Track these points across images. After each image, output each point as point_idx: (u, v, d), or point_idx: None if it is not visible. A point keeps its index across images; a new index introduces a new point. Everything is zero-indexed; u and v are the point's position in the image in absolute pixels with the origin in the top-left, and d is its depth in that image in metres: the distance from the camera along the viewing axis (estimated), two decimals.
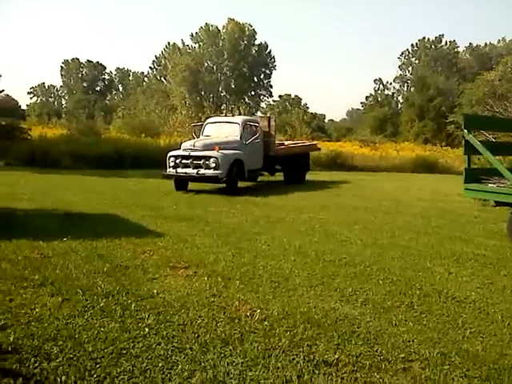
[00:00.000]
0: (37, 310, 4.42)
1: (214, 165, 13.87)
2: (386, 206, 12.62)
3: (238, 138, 15.24)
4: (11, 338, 3.79)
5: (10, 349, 3.62)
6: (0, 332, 3.90)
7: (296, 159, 18.32)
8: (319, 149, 22.81)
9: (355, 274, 6.11)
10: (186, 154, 14.31)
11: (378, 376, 3.54)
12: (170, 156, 14.63)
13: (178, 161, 14.36)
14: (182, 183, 14.50)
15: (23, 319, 4.20)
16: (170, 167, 14.47)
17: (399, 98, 72.69)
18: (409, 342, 4.15)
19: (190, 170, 14.09)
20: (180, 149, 14.97)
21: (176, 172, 14.20)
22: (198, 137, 16.36)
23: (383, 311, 4.85)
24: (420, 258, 6.98)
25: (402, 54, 76.98)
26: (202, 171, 13.90)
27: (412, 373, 3.62)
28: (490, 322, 4.69)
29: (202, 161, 14.00)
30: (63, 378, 3.27)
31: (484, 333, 4.42)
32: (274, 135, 17.37)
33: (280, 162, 17.71)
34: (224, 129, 15.85)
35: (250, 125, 16.11)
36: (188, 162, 14.21)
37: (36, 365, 3.42)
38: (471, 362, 3.82)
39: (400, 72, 76.33)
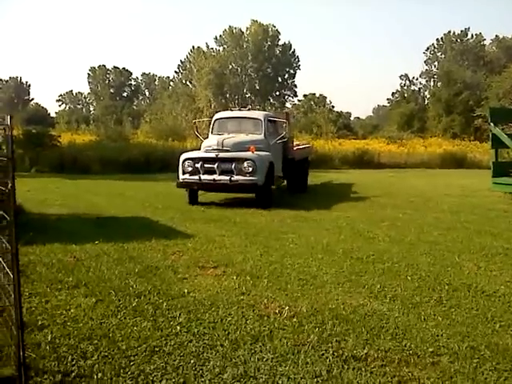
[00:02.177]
0: (72, 310, 4.55)
1: (250, 169, 11.29)
2: (413, 202, 12.55)
3: (263, 137, 12.62)
4: (49, 338, 3.93)
5: (48, 348, 3.75)
6: (38, 332, 4.04)
7: (302, 163, 15.18)
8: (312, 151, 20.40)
9: (383, 270, 6.12)
10: (212, 155, 11.53)
11: (406, 370, 3.57)
12: (186, 159, 11.86)
13: (197, 165, 11.61)
14: (195, 194, 11.95)
15: (59, 320, 4.33)
16: (185, 173, 11.76)
17: (426, 93, 71.80)
18: (437, 336, 4.17)
19: (220, 177, 11.40)
20: (199, 150, 12.49)
21: (199, 179, 11.41)
22: (205, 136, 13.85)
23: (412, 306, 4.87)
24: (449, 254, 6.95)
25: (428, 48, 76.08)
26: (236, 177, 11.33)
27: (441, 366, 3.63)
28: None
29: (234, 164, 11.38)
30: (99, 375, 3.37)
31: None
32: (291, 134, 15.11)
33: (295, 167, 14.41)
34: (242, 126, 13.18)
35: (273, 121, 13.66)
36: (213, 166, 11.49)
37: (73, 363, 3.54)
38: (501, 355, 3.82)
39: (426, 67, 75.42)
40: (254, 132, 12.82)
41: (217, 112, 14.77)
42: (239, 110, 14.57)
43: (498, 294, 5.27)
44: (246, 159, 11.44)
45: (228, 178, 11.33)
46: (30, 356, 3.49)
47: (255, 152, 11.67)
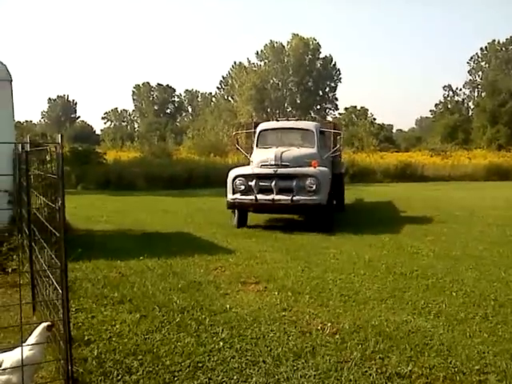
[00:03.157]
0: (117, 326, 4.65)
1: (313, 187, 9.93)
2: (458, 215, 12.31)
3: (316, 150, 11.12)
4: (95, 353, 4.02)
5: (94, 362, 3.85)
6: (85, 347, 4.15)
7: (340, 178, 13.39)
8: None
9: (427, 286, 6.04)
10: (270, 171, 10.15)
11: None
12: (237, 176, 10.43)
13: (251, 183, 10.22)
14: (246, 216, 10.84)
15: (105, 335, 4.43)
16: (236, 192, 10.37)
17: (470, 103, 70.54)
18: (484, 353, 4.08)
19: (279, 196, 10.02)
20: (247, 165, 11.37)
21: (255, 200, 10.06)
22: (247, 149, 12.49)
23: (457, 323, 4.78)
24: (495, 269, 6.80)
25: (472, 58, 74.84)
26: (297, 197, 9.97)
27: None
28: None
29: (295, 181, 10.03)
30: None
31: None
32: (340, 147, 13.41)
33: (340, 183, 13.30)
34: (292, 138, 11.79)
35: (323, 132, 12.10)
36: (270, 184, 10.10)
37: (118, 377, 3.62)
38: None
39: (470, 77, 74.18)
40: (305, 145, 11.37)
41: (257, 123, 12.92)
42: (287, 120, 13.00)
43: None
44: (309, 175, 10.08)
45: (289, 197, 9.94)
46: (78, 370, 3.57)
47: (318, 167, 10.35)
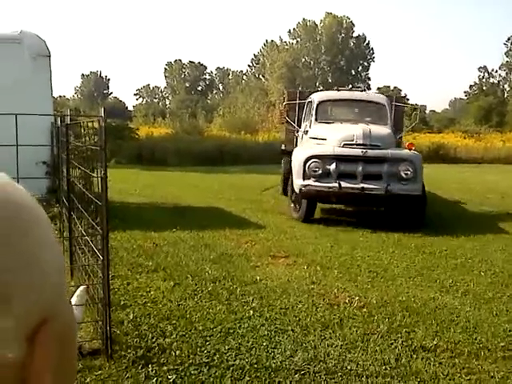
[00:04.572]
0: (151, 292, 4.83)
1: (409, 173, 8.18)
2: (490, 198, 12.20)
3: (390, 130, 9.35)
4: (131, 317, 4.21)
5: (130, 325, 4.03)
6: (121, 311, 4.33)
7: None
8: None
9: (456, 265, 6.08)
10: (357, 152, 8.22)
11: (476, 363, 3.58)
12: (312, 157, 8.33)
13: (330, 166, 8.23)
14: (314, 207, 8.74)
15: (140, 300, 4.61)
16: (308, 177, 8.28)
17: (505, 86, 68.87)
18: (510, 331, 4.15)
19: (369, 185, 8.13)
20: (324, 145, 8.76)
21: (339, 187, 8.08)
22: (299, 124, 10.70)
23: (484, 302, 4.84)
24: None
25: (509, 39, 72.77)
26: (392, 186, 8.08)
27: None
28: None
29: (386, 167, 8.22)
30: (177, 352, 3.60)
31: None
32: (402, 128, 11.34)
33: None
34: (360, 113, 10.13)
35: (393, 108, 10.13)
36: (356, 168, 8.20)
37: (153, 340, 3.79)
38: None
39: (507, 59, 72.23)
40: (377, 122, 9.48)
41: (309, 92, 11.18)
42: (350, 89, 10.94)
43: None
44: (404, 160, 8.34)
45: (382, 186, 8.03)
46: (115, 332, 3.75)
47: (412, 150, 8.82)
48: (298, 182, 8.43)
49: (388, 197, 8.13)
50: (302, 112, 10.79)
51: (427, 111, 73.92)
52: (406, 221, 8.27)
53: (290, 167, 10.71)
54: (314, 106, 9.93)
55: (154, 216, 8.81)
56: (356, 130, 8.57)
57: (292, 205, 9.04)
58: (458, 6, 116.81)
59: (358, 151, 8.24)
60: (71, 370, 0.59)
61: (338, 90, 10.71)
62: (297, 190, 8.45)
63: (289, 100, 11.44)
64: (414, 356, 3.66)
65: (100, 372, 3.24)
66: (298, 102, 11.04)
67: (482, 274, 5.74)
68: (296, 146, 10.61)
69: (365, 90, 11.29)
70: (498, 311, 4.59)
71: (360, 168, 8.17)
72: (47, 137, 7.63)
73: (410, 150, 8.86)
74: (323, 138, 8.98)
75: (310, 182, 8.27)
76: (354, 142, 8.37)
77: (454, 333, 4.08)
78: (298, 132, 10.73)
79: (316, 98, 10.18)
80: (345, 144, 8.42)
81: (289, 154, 10.82)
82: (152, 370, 3.31)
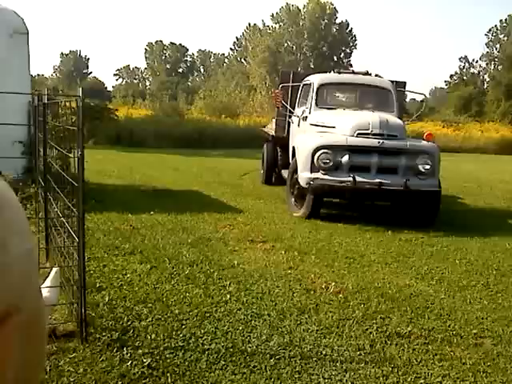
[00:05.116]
0: (128, 275, 4.80)
1: (427, 167, 7.52)
2: (467, 187, 12.35)
3: (396, 117, 8.63)
4: (106, 299, 4.17)
5: (105, 308, 4.00)
6: (96, 293, 4.30)
7: None
8: None
9: (432, 253, 6.15)
10: (373, 143, 7.47)
11: (449, 349, 3.63)
12: (322, 148, 7.44)
13: (342, 158, 7.41)
14: (321, 203, 7.85)
15: (116, 283, 4.58)
16: (317, 169, 7.45)
17: (485, 76, 69.48)
18: (482, 319, 4.20)
19: (386, 179, 7.37)
20: (333, 134, 7.88)
21: (354, 182, 7.26)
22: (293, 106, 9.89)
23: (458, 289, 4.90)
24: (499, 240, 6.90)
25: (490, 30, 73.26)
26: (411, 181, 7.37)
27: (484, 348, 3.68)
28: None
29: (404, 159, 7.53)
30: (153, 335, 3.58)
31: None
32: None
33: None
34: (364, 98, 9.32)
35: (397, 94, 9.46)
36: (372, 161, 7.46)
37: (129, 323, 3.76)
38: None
39: (487, 49, 72.77)
40: (382, 109, 8.67)
41: (304, 74, 10.44)
42: (352, 72, 9.98)
43: None
44: (423, 152, 7.67)
45: (400, 181, 7.32)
46: (90, 314, 3.71)
47: (430, 142, 8.17)
48: (304, 175, 7.53)
49: (406, 193, 7.37)
50: (296, 95, 9.99)
51: (407, 100, 74.30)
52: (419, 218, 7.65)
53: (280, 155, 10.71)
54: (314, 90, 9.00)
55: (132, 198, 8.74)
56: (372, 118, 7.76)
57: (292, 200, 8.12)
58: None
59: (374, 142, 7.45)
60: (38, 361, 0.57)
61: (340, 73, 9.77)
62: (302, 184, 7.54)
63: (281, 82, 10.59)
64: (389, 342, 3.70)
65: (74, 355, 3.21)
66: (291, 84, 10.17)
67: (457, 262, 5.81)
68: (288, 132, 10.10)
69: (368, 73, 9.69)
70: (471, 299, 4.66)
71: (375, 160, 7.42)
72: (24, 116, 7.50)
73: (428, 141, 8.17)
74: (330, 125, 8.13)
75: (319, 175, 7.43)
76: (369, 132, 7.54)
77: (428, 320, 4.13)
78: (291, 117, 9.96)
79: (316, 80, 9.24)
80: (359, 133, 7.57)
81: (279, 141, 10.57)
82: (127, 353, 3.29)
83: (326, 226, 7.26)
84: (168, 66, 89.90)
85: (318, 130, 8.24)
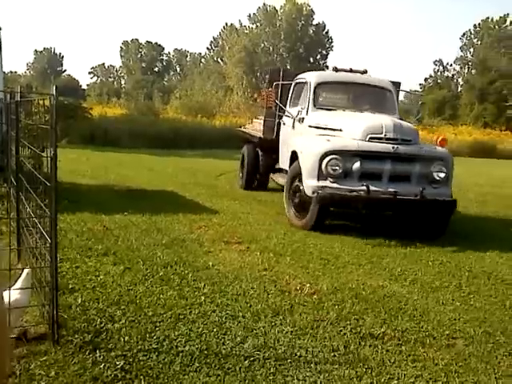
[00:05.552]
0: (101, 276, 4.74)
1: (442, 175, 7.06)
2: None
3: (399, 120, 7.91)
4: (79, 301, 4.11)
5: (78, 310, 3.94)
6: (69, 295, 4.23)
7: None
8: None
9: (405, 254, 6.22)
10: (387, 148, 6.87)
11: (422, 350, 3.67)
12: (331, 153, 6.84)
13: (353, 165, 6.86)
14: (327, 213, 7.27)
15: (89, 285, 4.52)
16: (325, 177, 6.88)
17: (459, 80, 70.58)
18: (455, 320, 4.26)
19: (400, 188, 6.83)
20: (341, 138, 7.25)
21: (367, 191, 6.69)
22: (287, 104, 9.13)
23: (431, 290, 4.96)
24: (471, 242, 6.99)
25: (464, 34, 74.41)
26: (428, 190, 6.86)
27: (456, 349, 3.73)
28: None
29: (418, 167, 7.04)
30: (126, 338, 3.54)
31: None
32: None
33: None
34: (364, 99, 8.85)
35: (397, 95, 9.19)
36: (384, 168, 6.92)
37: (102, 325, 3.71)
38: None
39: (461, 53, 73.92)
40: (383, 111, 8.26)
41: (296, 72, 9.63)
42: (351, 71, 9.09)
43: None
44: (438, 158, 7.16)
45: (417, 190, 6.76)
46: (62, 316, 3.66)
47: (444, 148, 7.76)
48: (309, 183, 6.93)
49: (422, 203, 6.84)
50: (286, 95, 9.31)
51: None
52: (428, 230, 7.18)
53: (262, 158, 10.34)
54: (311, 89, 8.39)
55: (106, 198, 8.65)
56: (385, 121, 7.20)
57: (292, 210, 7.51)
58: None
59: (388, 147, 6.86)
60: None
61: (337, 71, 9.04)
62: (308, 193, 6.94)
63: (270, 80, 9.95)
64: (363, 343, 3.72)
65: (46, 357, 3.16)
66: (285, 82, 9.43)
67: (430, 263, 5.89)
68: (278, 134, 9.50)
69: (366, 72, 9.11)
70: (444, 300, 4.72)
71: (388, 167, 6.89)
72: None
73: (442, 147, 7.76)
74: (335, 128, 7.50)
75: (327, 183, 6.84)
76: (382, 136, 6.94)
77: (401, 321, 4.17)
78: (281, 118, 9.32)
79: (313, 79, 8.62)
80: (371, 138, 6.96)
81: (266, 143, 9.89)
82: (100, 356, 3.24)
83: (301, 228, 7.27)
84: (144, 65, 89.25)
85: (319, 132, 7.63)
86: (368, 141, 6.95)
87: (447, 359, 3.56)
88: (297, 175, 7.38)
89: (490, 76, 53.44)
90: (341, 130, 7.39)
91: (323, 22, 71.18)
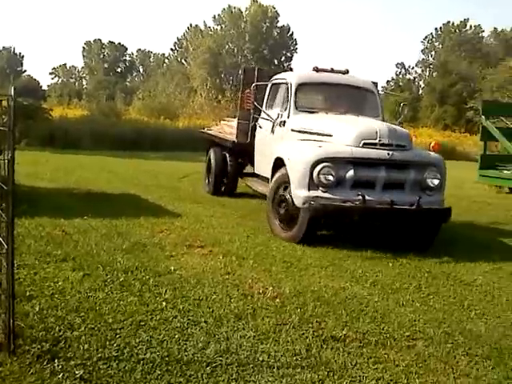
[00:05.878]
0: (60, 283, 4.63)
1: (436, 182, 6.78)
2: None
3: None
4: (37, 308, 4.01)
5: (36, 318, 3.84)
6: (26, 302, 4.12)
7: None
8: None
9: (366, 256, 6.28)
10: (382, 155, 6.52)
11: (383, 352, 3.71)
12: (323, 160, 6.43)
13: (346, 173, 6.47)
14: (318, 223, 6.81)
15: (47, 291, 4.41)
16: (316, 186, 6.43)
17: (420, 82, 71.91)
18: (415, 321, 4.33)
19: (396, 197, 6.50)
20: (332, 143, 6.82)
21: (363, 201, 6.28)
22: (258, 109, 8.53)
23: (391, 292, 5.03)
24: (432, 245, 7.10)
25: (426, 38, 75.91)
26: (424, 198, 6.56)
27: (416, 350, 3.79)
28: (494, 305, 4.89)
29: (412, 173, 6.71)
30: (86, 346, 3.46)
31: (488, 314, 4.62)
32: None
33: None
34: (347, 100, 8.40)
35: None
36: (378, 175, 6.56)
37: (60, 333, 3.62)
38: (474, 341, 3.99)
39: (423, 56, 75.37)
40: (367, 113, 8.00)
41: (272, 73, 9.33)
42: (332, 71, 8.69)
43: (475, 283, 5.49)
44: (431, 164, 6.90)
45: (411, 199, 6.48)
46: (19, 325, 3.56)
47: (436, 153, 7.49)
48: (299, 193, 6.47)
49: (418, 213, 6.51)
50: (262, 96, 8.71)
51: None
52: (416, 241, 6.85)
53: (230, 163, 9.89)
54: (292, 90, 7.93)
55: (65, 202, 8.46)
56: (379, 126, 6.87)
57: (277, 221, 7.06)
58: (380, 2, 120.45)
59: (383, 153, 6.51)
60: None
61: (318, 71, 8.54)
62: (298, 204, 6.49)
63: (245, 80, 9.35)
64: (324, 346, 3.73)
65: (1, 369, 3.06)
66: (263, 83, 8.83)
67: (390, 264, 5.97)
68: (252, 138, 8.97)
69: (347, 72, 8.76)
70: (404, 301, 4.78)
71: (382, 175, 6.53)
72: None
73: (435, 151, 7.57)
74: (323, 133, 7.06)
75: (319, 193, 6.42)
76: (377, 142, 6.56)
77: (362, 323, 4.21)
78: (257, 121, 8.76)
79: (294, 79, 8.16)
80: (365, 143, 6.57)
81: (238, 147, 9.41)
82: (58, 365, 3.16)
83: (263, 231, 7.27)
84: (106, 66, 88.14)
85: (304, 137, 7.21)
86: (361, 147, 6.56)
87: (408, 360, 3.60)
88: (282, 184, 6.97)
89: (450, 79, 54.61)
90: (330, 135, 6.95)
91: (288, 25, 71.64)
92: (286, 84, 8.18)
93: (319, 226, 6.92)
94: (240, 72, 9.43)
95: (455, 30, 73.63)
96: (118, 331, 3.73)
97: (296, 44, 72.80)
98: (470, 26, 72.46)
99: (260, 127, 8.69)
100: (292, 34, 72.19)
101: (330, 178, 6.37)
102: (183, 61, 74.45)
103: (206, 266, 5.41)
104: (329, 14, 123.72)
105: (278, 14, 70.35)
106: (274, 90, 8.65)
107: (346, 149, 6.58)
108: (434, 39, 75.88)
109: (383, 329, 4.12)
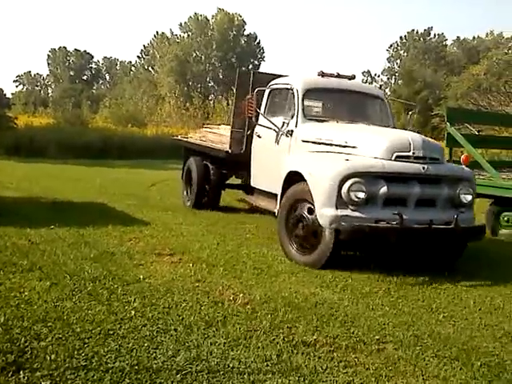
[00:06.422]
0: (26, 293, 4.53)
1: (469, 198, 6.28)
2: None
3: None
4: (1, 319, 3.90)
5: (0, 329, 3.75)
6: None
7: None
8: None
9: (336, 261, 6.30)
10: (417, 169, 5.88)
11: (353, 356, 3.72)
12: (353, 175, 5.69)
13: (378, 189, 5.75)
14: (341, 246, 6.00)
15: (13, 302, 4.31)
16: (345, 205, 5.70)
17: (387, 90, 73.07)
18: (384, 324, 4.36)
19: (432, 216, 5.90)
20: (358, 156, 6.07)
21: (401, 221, 5.55)
22: (256, 116, 7.66)
23: (361, 296, 5.06)
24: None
25: (391, 46, 77.26)
26: (461, 216, 6.01)
27: (385, 353, 3.81)
28: (462, 307, 4.96)
29: (446, 189, 6.14)
30: (52, 356, 3.38)
31: (456, 317, 4.68)
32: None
33: None
34: (357, 108, 7.98)
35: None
36: (412, 192, 5.90)
37: (26, 344, 3.54)
38: (442, 343, 4.04)
39: (388, 64, 76.67)
40: (379, 123, 7.55)
41: (273, 76, 8.41)
42: (338, 75, 8.00)
43: (443, 287, 5.56)
44: (464, 179, 6.38)
45: (451, 217, 5.88)
46: None
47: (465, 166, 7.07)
48: (326, 212, 5.72)
49: (456, 233, 5.92)
50: (258, 102, 7.80)
51: None
52: (441, 261, 6.39)
53: (213, 174, 9.21)
54: (299, 97, 7.27)
55: (31, 211, 8.29)
56: (412, 137, 6.12)
57: (293, 244, 6.35)
58: (346, 11, 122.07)
59: (418, 167, 5.89)
60: None
61: (323, 76, 7.85)
62: (324, 224, 5.77)
63: (240, 85, 8.70)
64: (295, 351, 3.73)
65: None
66: (256, 88, 7.88)
67: (360, 269, 6.00)
68: (249, 148, 8.25)
69: (354, 77, 8.23)
70: (374, 305, 4.82)
71: (416, 191, 5.91)
72: None
73: (466, 165, 7.14)
74: (346, 144, 6.35)
75: (348, 212, 5.70)
76: (410, 154, 5.92)
77: (332, 327, 4.22)
78: (254, 130, 8.07)
79: (300, 85, 7.43)
80: (398, 156, 5.92)
81: (231, 158, 8.64)
82: (24, 377, 3.09)
83: (233, 238, 7.27)
84: (72, 73, 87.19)
85: (320, 148, 6.58)
86: (394, 160, 5.91)
87: (378, 364, 3.62)
88: (299, 201, 6.27)
89: (415, 86, 55.58)
90: (354, 147, 6.23)
91: (255, 33, 72.16)
92: (291, 90, 7.49)
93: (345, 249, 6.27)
94: (236, 77, 8.93)
95: (419, 38, 75.19)
96: (87, 340, 3.66)
97: (263, 52, 73.32)
98: (434, 35, 74.11)
99: (259, 136, 8.01)
100: (259, 43, 72.66)
101: (361, 195, 5.67)
102: (150, 68, 74.16)
103: (175, 274, 5.36)
104: (294, 23, 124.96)
105: (244, 22, 70.78)
106: (273, 95, 8.01)
107: (376, 162, 5.90)
108: (399, 47, 77.31)
109: (353, 333, 4.14)
